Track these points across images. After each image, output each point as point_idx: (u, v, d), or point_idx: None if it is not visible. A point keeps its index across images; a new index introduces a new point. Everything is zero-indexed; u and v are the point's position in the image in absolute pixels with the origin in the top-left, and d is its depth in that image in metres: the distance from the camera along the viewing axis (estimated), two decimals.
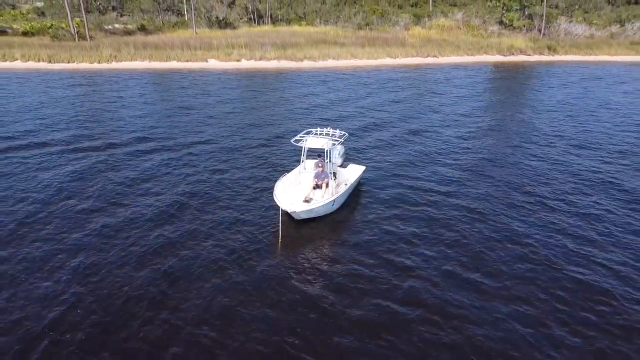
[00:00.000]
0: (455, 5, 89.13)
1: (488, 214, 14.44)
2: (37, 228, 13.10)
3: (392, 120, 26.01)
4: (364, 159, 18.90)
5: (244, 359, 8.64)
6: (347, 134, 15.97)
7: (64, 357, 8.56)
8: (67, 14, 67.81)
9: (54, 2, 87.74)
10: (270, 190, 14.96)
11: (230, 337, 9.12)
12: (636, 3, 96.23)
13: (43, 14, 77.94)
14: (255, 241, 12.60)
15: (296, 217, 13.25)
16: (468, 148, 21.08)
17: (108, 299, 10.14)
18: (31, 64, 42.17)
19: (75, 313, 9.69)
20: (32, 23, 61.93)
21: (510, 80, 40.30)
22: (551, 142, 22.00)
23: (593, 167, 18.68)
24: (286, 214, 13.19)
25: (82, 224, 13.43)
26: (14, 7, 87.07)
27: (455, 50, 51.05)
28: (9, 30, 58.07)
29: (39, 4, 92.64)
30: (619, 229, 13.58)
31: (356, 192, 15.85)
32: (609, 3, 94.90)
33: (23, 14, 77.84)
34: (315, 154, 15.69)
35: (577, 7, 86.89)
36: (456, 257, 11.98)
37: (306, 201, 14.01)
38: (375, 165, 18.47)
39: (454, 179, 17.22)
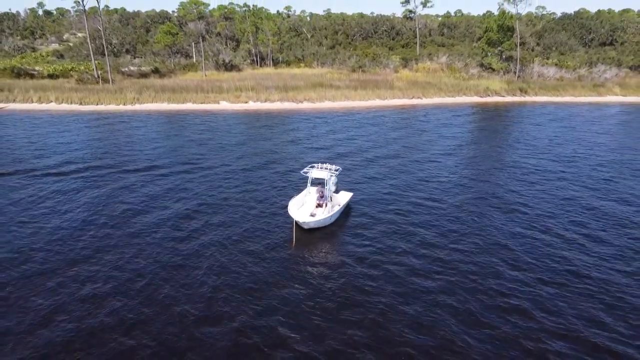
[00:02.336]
0: (443, 45, 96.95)
1: (441, 215, 20.00)
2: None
3: (378, 154, 31.76)
4: (352, 187, 24.47)
5: (275, 311, 13.96)
6: (341, 168, 21.64)
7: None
8: (84, 57, 74.98)
9: (71, 45, 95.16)
10: (284, 208, 20.61)
11: (263, 300, 14.53)
12: (611, 43, 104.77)
13: (62, 56, 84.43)
14: (276, 243, 18.17)
15: (305, 226, 18.81)
16: (439, 172, 26.77)
17: (178, 277, 15.54)
18: (64, 106, 48.11)
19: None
20: (54, 65, 67.94)
21: (483, 119, 46.48)
22: (505, 169, 27.78)
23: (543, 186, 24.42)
24: (297, 224, 18.67)
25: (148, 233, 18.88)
26: (34, 50, 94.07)
27: (437, 92, 57.54)
28: (35, 73, 64.30)
29: (57, 46, 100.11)
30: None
31: (346, 210, 21.47)
32: (585, 45, 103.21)
33: (43, 56, 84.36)
34: (317, 181, 21.34)
35: (554, 48, 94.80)
36: (414, 247, 17.54)
37: (312, 215, 19.58)
38: (361, 191, 24.11)
39: (422, 201, 22.86)
